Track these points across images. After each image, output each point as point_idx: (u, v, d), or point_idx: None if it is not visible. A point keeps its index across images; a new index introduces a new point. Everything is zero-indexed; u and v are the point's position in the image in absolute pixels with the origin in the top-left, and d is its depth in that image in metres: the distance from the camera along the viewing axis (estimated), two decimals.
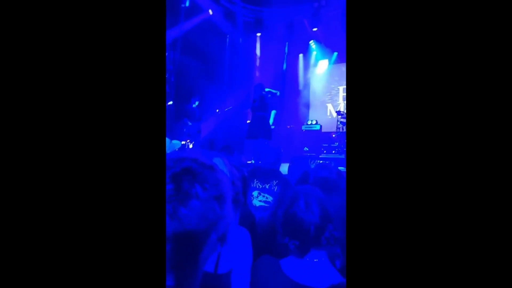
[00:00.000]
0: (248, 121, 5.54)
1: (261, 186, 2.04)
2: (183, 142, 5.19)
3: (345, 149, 5.97)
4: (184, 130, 5.42)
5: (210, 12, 6.87)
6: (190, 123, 5.49)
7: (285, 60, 7.52)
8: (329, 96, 7.94)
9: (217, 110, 6.38)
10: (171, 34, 6.23)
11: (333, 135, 6.42)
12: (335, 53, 7.58)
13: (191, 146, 5.12)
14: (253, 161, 4.47)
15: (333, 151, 6.20)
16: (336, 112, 6.99)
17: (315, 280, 0.86)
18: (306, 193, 0.95)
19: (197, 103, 5.73)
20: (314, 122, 7.23)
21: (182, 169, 0.55)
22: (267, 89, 5.00)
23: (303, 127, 7.19)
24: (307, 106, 8.07)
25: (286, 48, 7.52)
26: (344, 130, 6.57)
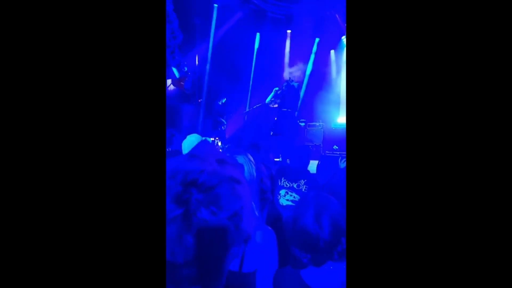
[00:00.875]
0: (276, 118, 5.51)
1: (288, 185, 2.03)
2: (212, 139, 5.28)
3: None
4: (220, 128, 5.50)
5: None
6: (225, 122, 5.55)
7: (311, 60, 7.36)
8: None
9: (247, 110, 6.41)
10: (206, 42, 6.36)
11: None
12: None
13: (219, 144, 5.18)
14: (280, 159, 4.44)
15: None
16: None
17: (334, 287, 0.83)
18: (318, 204, 0.90)
19: (224, 100, 5.78)
20: (344, 120, 7.03)
21: (186, 185, 0.45)
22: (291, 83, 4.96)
23: (333, 125, 7.03)
24: (338, 103, 7.86)
25: (315, 47, 7.36)
26: None
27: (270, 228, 1.08)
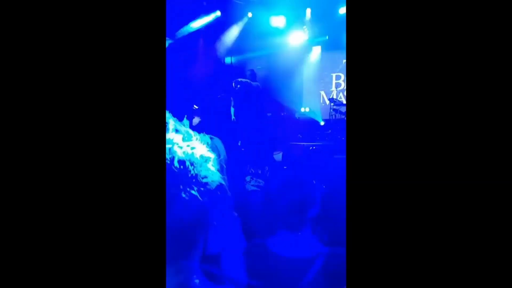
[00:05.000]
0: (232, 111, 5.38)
1: (253, 171, 2.08)
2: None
3: (338, 136, 5.99)
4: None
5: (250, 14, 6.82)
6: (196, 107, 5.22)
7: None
8: (322, 83, 7.94)
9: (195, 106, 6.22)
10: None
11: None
12: (326, 37, 7.48)
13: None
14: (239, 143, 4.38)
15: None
16: (329, 99, 7.00)
17: (300, 252, 0.89)
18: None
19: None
20: (307, 109, 7.24)
21: None
22: (240, 79, 4.82)
23: (297, 115, 7.20)
24: (301, 93, 8.06)
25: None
26: (337, 117, 6.59)
27: (235, 213, 1.10)
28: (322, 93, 7.91)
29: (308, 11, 6.93)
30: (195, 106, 5.71)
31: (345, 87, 7.44)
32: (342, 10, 6.65)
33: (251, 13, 7.12)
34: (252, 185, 2.01)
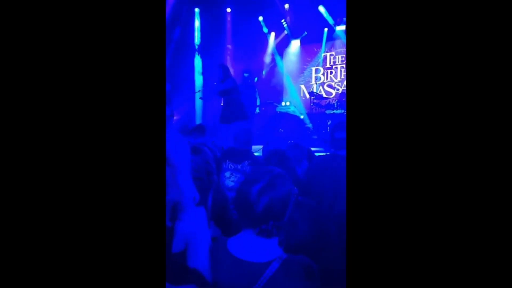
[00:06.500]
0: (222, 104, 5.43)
1: (233, 167, 2.05)
2: None
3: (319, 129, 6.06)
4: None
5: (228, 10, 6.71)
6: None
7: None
8: (302, 77, 7.98)
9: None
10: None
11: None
12: (305, 33, 7.51)
13: None
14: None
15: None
16: (309, 93, 7.05)
17: (257, 256, 0.86)
18: (270, 180, 0.88)
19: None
20: (288, 103, 7.27)
21: None
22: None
23: (278, 109, 7.21)
24: (281, 87, 8.07)
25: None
26: (317, 111, 6.66)
27: (201, 207, 1.09)
28: (302, 86, 7.96)
29: (287, 6, 6.94)
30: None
31: (324, 81, 7.55)
32: (321, 8, 6.75)
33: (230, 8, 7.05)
34: (232, 181, 1.99)
